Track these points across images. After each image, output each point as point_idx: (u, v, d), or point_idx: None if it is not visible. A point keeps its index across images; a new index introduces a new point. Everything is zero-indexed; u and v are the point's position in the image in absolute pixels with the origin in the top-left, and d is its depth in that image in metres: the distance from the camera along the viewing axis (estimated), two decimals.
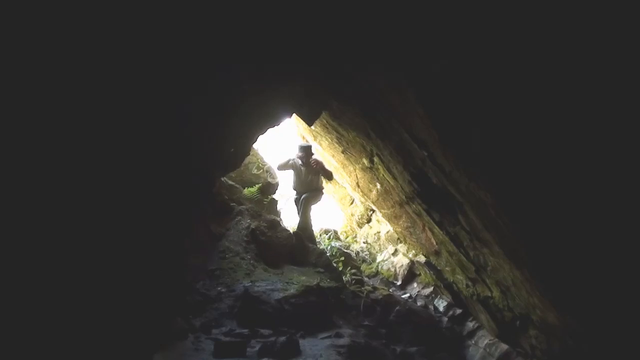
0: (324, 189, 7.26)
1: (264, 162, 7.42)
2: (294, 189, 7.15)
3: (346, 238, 8.77)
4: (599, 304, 3.13)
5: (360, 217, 8.69)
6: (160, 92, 2.60)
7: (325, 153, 7.64)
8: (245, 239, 5.81)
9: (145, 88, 2.50)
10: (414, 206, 5.35)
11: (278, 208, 7.20)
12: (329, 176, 6.96)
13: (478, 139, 3.03)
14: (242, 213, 6.25)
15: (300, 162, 6.86)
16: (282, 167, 7.03)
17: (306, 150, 6.81)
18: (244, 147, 4.61)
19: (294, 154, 7.03)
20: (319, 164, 6.84)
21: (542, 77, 2.41)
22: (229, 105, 3.45)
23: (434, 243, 5.67)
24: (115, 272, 2.54)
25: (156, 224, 2.92)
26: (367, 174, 6.42)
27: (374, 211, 8.36)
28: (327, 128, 6.08)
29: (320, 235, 8.33)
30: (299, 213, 6.95)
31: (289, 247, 6.16)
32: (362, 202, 8.42)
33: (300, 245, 6.30)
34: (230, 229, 5.90)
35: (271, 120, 4.57)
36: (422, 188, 4.63)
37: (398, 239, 7.33)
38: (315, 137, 7.38)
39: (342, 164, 7.22)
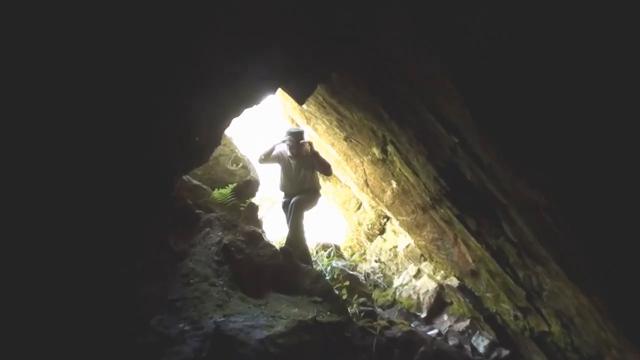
0: (320, 189, 7.17)
1: (240, 154, 7.39)
2: (281, 190, 7.11)
3: (352, 255, 8.77)
4: None
5: (370, 226, 8.70)
6: (92, 60, 2.58)
7: (322, 141, 7.62)
8: (215, 258, 5.76)
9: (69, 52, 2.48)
10: (442, 211, 5.36)
11: (259, 216, 7.15)
12: (326, 170, 6.83)
13: (527, 120, 3.01)
14: (211, 223, 6.20)
15: (288, 153, 6.81)
16: (265, 159, 6.95)
17: (296, 137, 6.71)
18: (213, 134, 4.60)
19: (280, 142, 6.99)
20: (313, 151, 6.77)
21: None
22: (193, 80, 3.43)
23: (470, 260, 5.67)
24: (30, 310, 2.49)
25: (93, 240, 2.88)
26: (378, 169, 6.40)
27: (388, 219, 8.37)
28: (323, 107, 6.06)
29: (316, 252, 8.32)
30: (288, 222, 6.91)
31: (275, 268, 6.11)
32: (372, 207, 8.43)
33: (290, 266, 6.25)
34: (196, 244, 5.85)
35: (248, 98, 4.54)
36: (452, 186, 4.64)
37: (421, 255, 7.34)
38: (308, 120, 7.36)
39: (344, 155, 7.20)
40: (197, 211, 6.32)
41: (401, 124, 4.72)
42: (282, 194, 7.14)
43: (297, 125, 7.63)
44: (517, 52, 2.80)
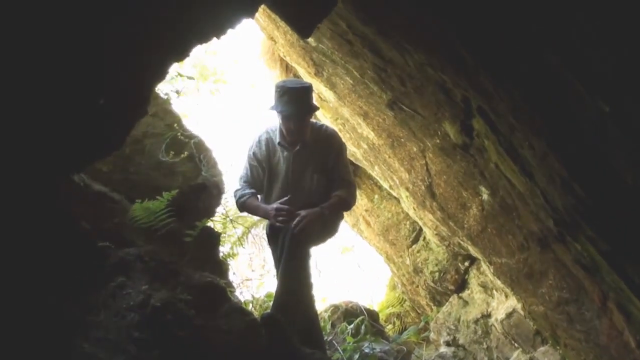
0: (349, 203, 7.07)
1: (185, 132, 7.39)
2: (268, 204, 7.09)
3: (400, 332, 8.75)
4: None
5: (437, 276, 8.69)
6: None
7: (345, 112, 7.61)
8: (136, 334, 5.78)
9: None
10: (578, 247, 5.36)
11: (221, 253, 7.12)
12: (349, 178, 6.79)
13: None
14: (128, 267, 6.19)
15: (278, 138, 6.73)
16: (247, 189, 6.90)
17: (299, 99, 6.60)
18: (134, 92, 4.59)
19: (265, 115, 6.95)
20: (334, 141, 6.71)
21: None
22: None
23: (632, 344, 5.61)
24: None
25: None
26: (454, 164, 6.44)
27: (472, 261, 8.35)
28: (349, 44, 6.10)
29: (332, 324, 8.32)
30: (278, 267, 6.87)
31: (251, 355, 6.12)
32: (441, 239, 8.40)
33: (283, 352, 6.25)
34: (99, 309, 5.86)
35: (200, 24, 4.54)
36: (596, 198, 4.65)
37: (537, 333, 7.32)
38: (318, 70, 7.35)
39: (388, 137, 7.18)
40: (102, 243, 6.32)
41: (500, 78, 4.73)
42: None
43: (295, 76, 7.63)
44: None
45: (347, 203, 6.57)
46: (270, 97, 6.59)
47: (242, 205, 6.71)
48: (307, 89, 6.43)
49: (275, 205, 6.40)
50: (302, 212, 6.18)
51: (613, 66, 3.80)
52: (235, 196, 6.73)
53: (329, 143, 6.58)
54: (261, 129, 6.78)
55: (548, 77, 4.26)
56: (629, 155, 4.14)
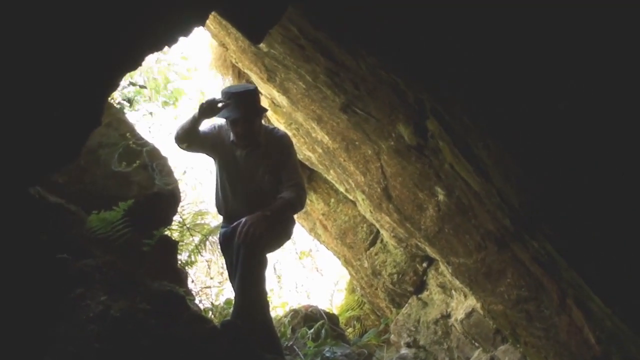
0: (295, 206, 7.02)
1: (138, 141, 7.33)
2: (220, 211, 7.03)
3: (360, 334, 8.74)
4: None
5: (396, 278, 8.68)
6: None
7: (298, 117, 7.58)
8: (96, 345, 5.72)
9: None
10: (536, 245, 5.39)
11: (179, 261, 7.06)
12: (297, 180, 6.72)
13: None
14: (87, 279, 6.13)
15: (232, 137, 6.70)
16: (190, 139, 6.67)
17: (244, 102, 6.59)
18: (88, 103, 4.54)
19: (219, 107, 6.86)
20: (283, 142, 6.67)
21: None
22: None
23: (592, 340, 5.64)
24: None
25: None
26: (409, 165, 6.44)
27: (430, 262, 8.36)
28: (301, 49, 6.09)
29: (292, 328, 8.30)
30: (233, 274, 6.84)
31: None
32: (399, 241, 8.41)
33: (242, 359, 6.22)
34: (59, 320, 5.81)
35: (151, 34, 4.50)
36: (554, 196, 4.67)
37: (497, 332, 7.36)
38: (270, 76, 7.33)
39: (343, 141, 7.17)
40: (60, 255, 6.25)
41: (455, 80, 4.73)
42: (222, 217, 7.07)
43: (247, 81, 7.59)
44: None
45: (293, 205, 6.55)
46: (220, 97, 6.61)
47: (179, 132, 6.62)
48: (252, 92, 6.47)
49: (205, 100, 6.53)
50: (244, 219, 6.20)
51: (569, 64, 3.81)
52: (178, 139, 6.66)
53: (280, 145, 6.61)
54: (221, 122, 6.77)
55: (504, 75, 4.27)
56: (586, 152, 4.15)
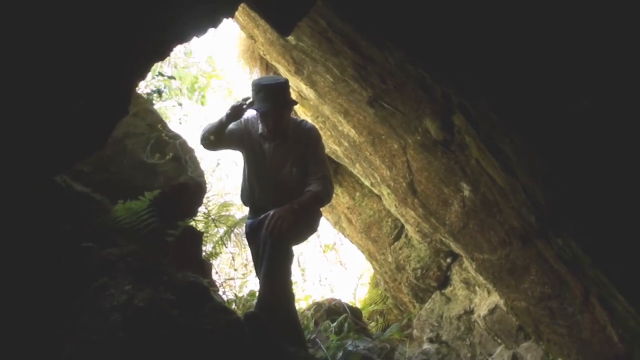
0: (323, 199, 7.01)
1: (167, 132, 7.33)
2: (246, 202, 7.01)
3: (383, 329, 8.72)
4: None
5: (420, 273, 8.66)
6: None
7: (325, 110, 7.57)
8: (120, 334, 5.72)
9: None
10: (560, 242, 5.37)
11: (204, 252, 7.05)
12: (324, 173, 6.70)
13: None
14: (111, 268, 6.15)
15: (260, 129, 6.71)
16: (217, 141, 6.71)
17: (274, 95, 6.58)
18: (114, 92, 4.55)
19: (244, 112, 6.88)
20: (311, 135, 6.66)
21: None
22: None
23: (615, 338, 5.60)
24: None
25: None
26: (435, 161, 6.44)
27: (455, 258, 8.32)
28: (329, 42, 6.09)
29: (315, 321, 8.29)
30: (259, 266, 6.83)
31: (235, 354, 6.08)
32: (423, 236, 8.38)
33: (265, 350, 6.21)
34: (83, 308, 5.80)
35: (178, 25, 4.50)
36: (578, 193, 4.65)
37: (520, 329, 7.31)
38: (298, 68, 7.32)
39: (369, 134, 7.14)
40: (85, 244, 6.25)
41: (481, 75, 4.72)
42: (248, 209, 7.07)
43: (275, 73, 7.56)
44: None
45: (320, 198, 6.53)
46: (249, 95, 6.60)
47: (203, 133, 6.67)
48: (283, 85, 6.41)
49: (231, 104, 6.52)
50: (272, 211, 6.18)
51: (596, 61, 3.79)
52: (200, 134, 6.72)
53: (308, 137, 6.58)
54: (249, 114, 6.74)
55: (530, 72, 4.23)
56: (612, 150, 4.13)
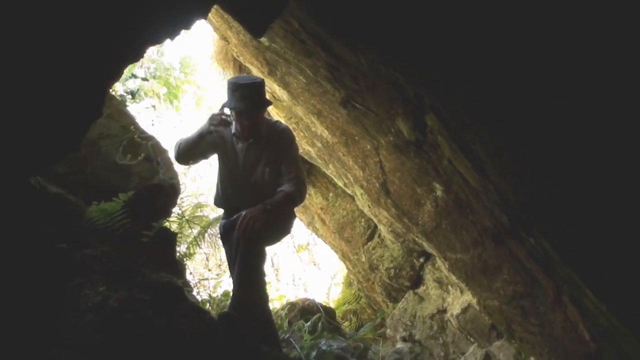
0: (295, 199, 6.97)
1: (140, 134, 7.32)
2: (219, 204, 6.98)
3: (356, 328, 8.73)
4: None
5: (393, 273, 8.67)
6: None
7: (298, 110, 7.57)
8: (95, 335, 5.71)
9: None
10: (532, 241, 5.38)
11: (178, 253, 7.04)
12: (297, 173, 6.64)
13: None
14: (86, 269, 6.12)
15: (233, 129, 6.68)
16: (189, 153, 6.72)
17: (252, 95, 6.50)
18: (89, 95, 4.52)
19: (218, 114, 6.85)
20: (285, 135, 6.63)
21: None
22: None
23: (586, 337, 5.63)
24: None
25: None
26: (408, 161, 6.44)
27: (427, 258, 8.35)
28: (302, 43, 6.09)
29: (289, 321, 8.28)
30: (233, 267, 6.82)
31: (209, 354, 6.07)
32: (396, 236, 8.40)
33: (241, 350, 6.20)
34: (61, 309, 5.78)
35: (153, 24, 4.48)
36: (552, 192, 4.66)
37: (492, 327, 7.33)
38: (271, 69, 7.32)
39: (342, 135, 7.15)
40: (59, 245, 6.22)
41: (453, 75, 4.73)
42: (222, 210, 7.05)
43: (248, 73, 7.56)
44: None
45: (293, 199, 6.50)
46: (224, 95, 6.57)
47: (179, 149, 6.61)
48: (260, 85, 6.38)
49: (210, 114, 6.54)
50: (243, 212, 6.17)
51: (565, 62, 3.81)
52: (174, 150, 6.66)
53: (281, 138, 6.54)
54: (219, 120, 6.66)
55: (501, 73, 4.27)
56: (581, 150, 4.15)
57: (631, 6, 3.73)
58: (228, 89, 6.34)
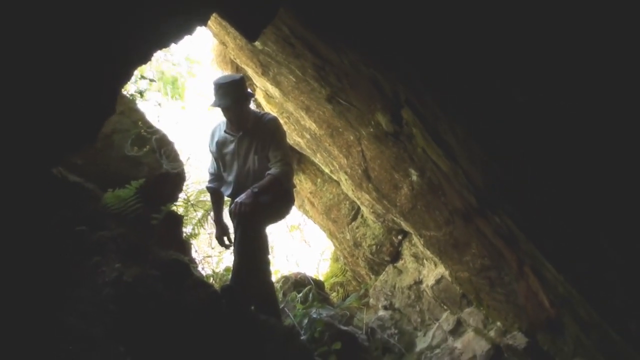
0: (292, 186, 6.97)
1: (148, 128, 7.27)
2: (226, 193, 6.96)
3: (344, 299, 8.71)
4: None
5: (375, 249, 8.65)
6: None
7: (289, 106, 7.53)
8: (111, 307, 5.68)
9: None
10: (498, 220, 5.37)
11: (184, 233, 7.01)
12: (282, 157, 6.58)
13: None
14: (103, 248, 6.08)
15: (224, 125, 6.64)
16: (215, 169, 6.89)
17: (231, 91, 6.32)
18: (102, 93, 4.51)
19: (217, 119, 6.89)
20: (270, 124, 6.56)
21: None
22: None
23: (546, 303, 5.64)
24: None
25: None
26: (387, 150, 6.42)
27: (405, 235, 8.34)
28: (291, 46, 6.06)
29: (284, 293, 8.26)
30: (234, 245, 6.77)
31: (214, 323, 6.04)
32: (377, 216, 8.38)
33: (240, 320, 6.17)
34: (79, 284, 5.76)
35: (157, 33, 4.48)
36: (514, 176, 4.66)
37: (463, 296, 7.34)
38: (265, 70, 7.29)
39: (328, 127, 7.13)
40: (79, 227, 6.19)
41: (425, 71, 4.71)
42: (229, 194, 6.99)
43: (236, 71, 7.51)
44: None
45: (279, 180, 6.44)
46: (211, 91, 6.58)
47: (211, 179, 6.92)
48: (237, 82, 6.36)
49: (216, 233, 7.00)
50: (235, 201, 6.29)
51: (528, 59, 3.78)
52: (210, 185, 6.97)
53: (267, 127, 6.53)
54: (215, 123, 6.80)
55: (470, 70, 4.26)
56: (540, 137, 4.14)
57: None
58: (213, 89, 6.41)
